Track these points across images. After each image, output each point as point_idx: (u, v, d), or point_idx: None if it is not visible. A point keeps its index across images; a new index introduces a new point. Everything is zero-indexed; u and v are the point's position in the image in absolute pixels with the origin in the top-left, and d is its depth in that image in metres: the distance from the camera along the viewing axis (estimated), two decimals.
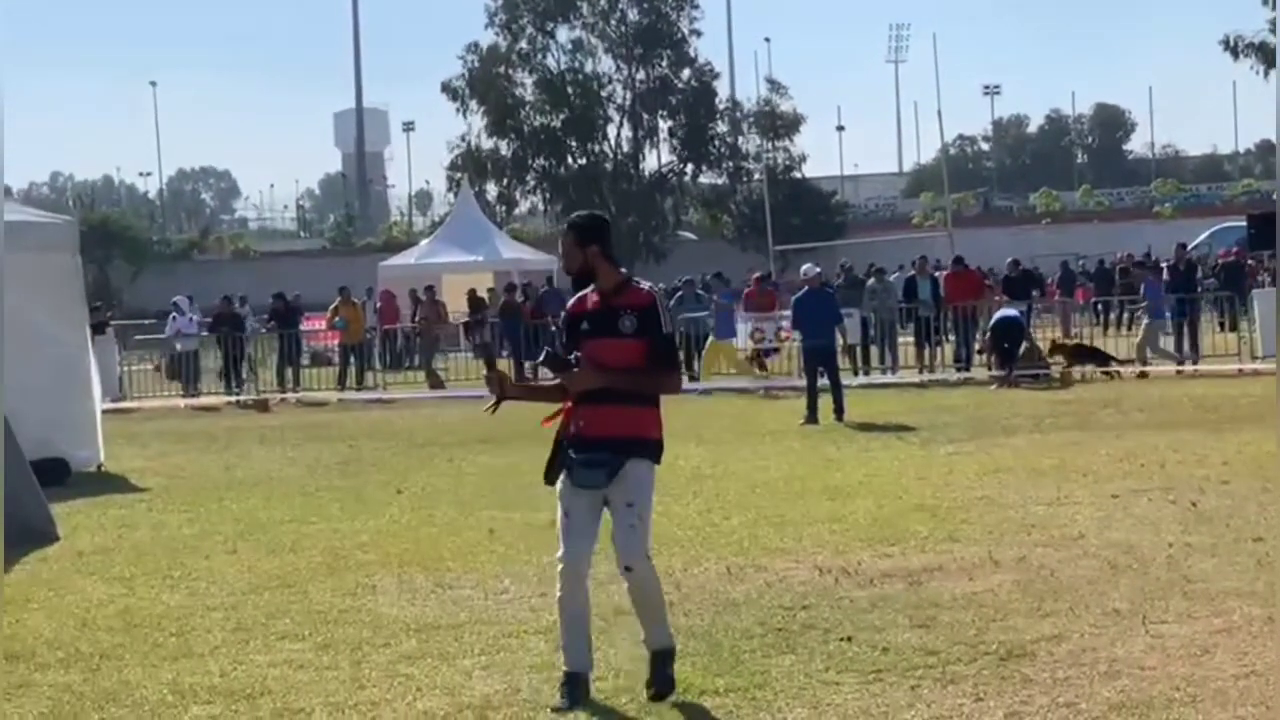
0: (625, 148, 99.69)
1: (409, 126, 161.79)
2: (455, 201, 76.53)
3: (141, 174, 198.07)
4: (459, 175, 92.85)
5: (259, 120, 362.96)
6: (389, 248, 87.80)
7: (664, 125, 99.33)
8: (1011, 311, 32.74)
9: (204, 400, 36.02)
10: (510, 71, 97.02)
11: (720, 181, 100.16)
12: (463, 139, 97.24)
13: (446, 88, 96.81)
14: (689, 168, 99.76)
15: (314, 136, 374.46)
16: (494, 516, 16.05)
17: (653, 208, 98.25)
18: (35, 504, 16.37)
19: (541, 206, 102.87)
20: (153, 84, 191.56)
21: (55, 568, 14.23)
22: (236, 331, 38.14)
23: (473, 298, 51.96)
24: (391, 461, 22.11)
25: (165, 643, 10.91)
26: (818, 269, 28.13)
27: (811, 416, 24.97)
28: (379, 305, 48.97)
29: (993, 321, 32.07)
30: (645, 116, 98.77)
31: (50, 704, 9.44)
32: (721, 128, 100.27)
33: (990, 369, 32.21)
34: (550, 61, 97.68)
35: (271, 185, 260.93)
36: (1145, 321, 32.86)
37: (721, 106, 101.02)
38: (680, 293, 37.34)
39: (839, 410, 25.12)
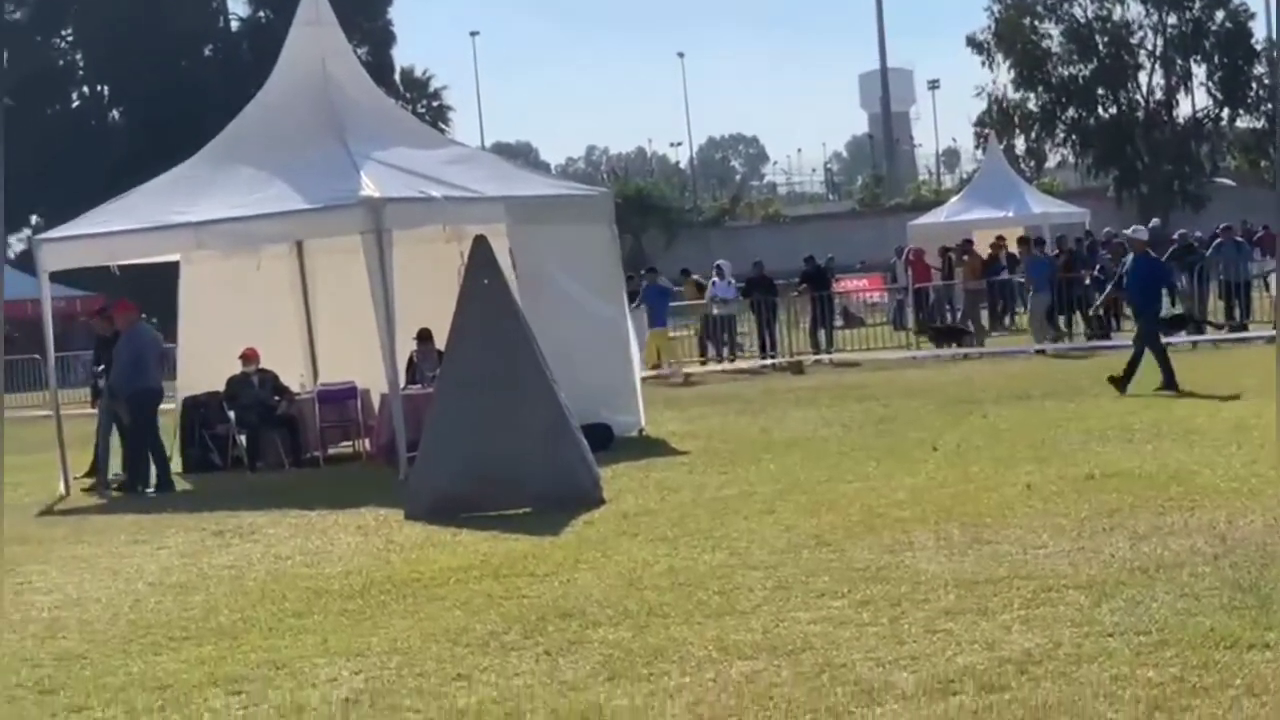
0: (1158, 95, 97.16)
1: (934, 85, 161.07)
2: (983, 158, 75.84)
3: (672, 144, 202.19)
4: (986, 130, 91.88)
5: (785, 85, 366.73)
6: (917, 207, 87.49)
7: (1198, 70, 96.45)
8: None
9: (739, 364, 36.60)
10: (1036, 23, 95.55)
11: (1259, 125, 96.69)
12: (989, 93, 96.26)
13: (971, 41, 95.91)
14: (1225, 112, 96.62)
15: (840, 99, 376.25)
16: (1030, 471, 15.91)
17: (1187, 155, 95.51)
18: (584, 469, 16.96)
19: (1071, 159, 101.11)
20: (680, 55, 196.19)
21: (601, 529, 14.70)
22: (769, 295, 38.55)
23: (995, 249, 51.24)
24: (925, 419, 22.07)
25: (709, 600, 11.15)
26: (1145, 232, 26.76)
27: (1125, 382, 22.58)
28: (909, 263, 48.81)
29: None
30: (1178, 62, 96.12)
31: (602, 659, 9.77)
32: (1259, 69, 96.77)
33: None
34: (1077, 10, 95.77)
35: (799, 149, 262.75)
36: None
37: (1258, 47, 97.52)
38: (1219, 240, 36.37)
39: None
